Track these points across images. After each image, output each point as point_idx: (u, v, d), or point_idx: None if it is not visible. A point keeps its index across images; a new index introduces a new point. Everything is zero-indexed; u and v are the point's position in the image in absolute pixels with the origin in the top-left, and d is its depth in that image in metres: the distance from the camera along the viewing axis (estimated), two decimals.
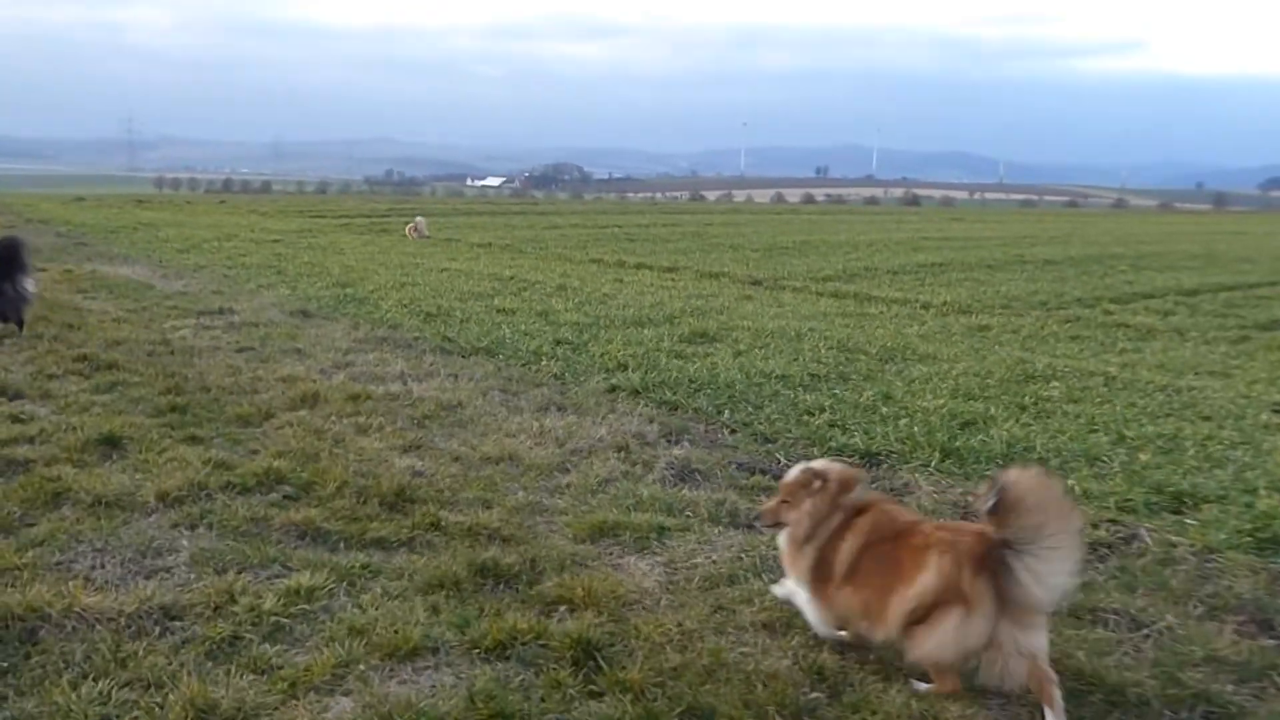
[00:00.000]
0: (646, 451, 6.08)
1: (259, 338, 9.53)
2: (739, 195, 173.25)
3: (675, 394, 7.53)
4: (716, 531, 4.89)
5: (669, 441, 6.32)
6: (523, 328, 10.39)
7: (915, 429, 6.62)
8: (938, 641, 3.36)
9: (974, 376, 8.50)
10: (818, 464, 3.98)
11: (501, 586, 4.16)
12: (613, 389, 7.71)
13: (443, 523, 4.78)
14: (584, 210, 52.16)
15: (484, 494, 5.25)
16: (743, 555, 4.57)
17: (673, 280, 16.81)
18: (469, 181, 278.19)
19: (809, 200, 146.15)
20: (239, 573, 4.16)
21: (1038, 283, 17.79)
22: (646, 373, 8.20)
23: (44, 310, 10.13)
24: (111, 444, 5.81)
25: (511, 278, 15.33)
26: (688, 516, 5.04)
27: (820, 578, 3.74)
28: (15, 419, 6.31)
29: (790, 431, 6.60)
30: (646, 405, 7.20)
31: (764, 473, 5.77)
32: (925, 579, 3.39)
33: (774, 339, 10.13)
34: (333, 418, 6.63)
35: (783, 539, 3.92)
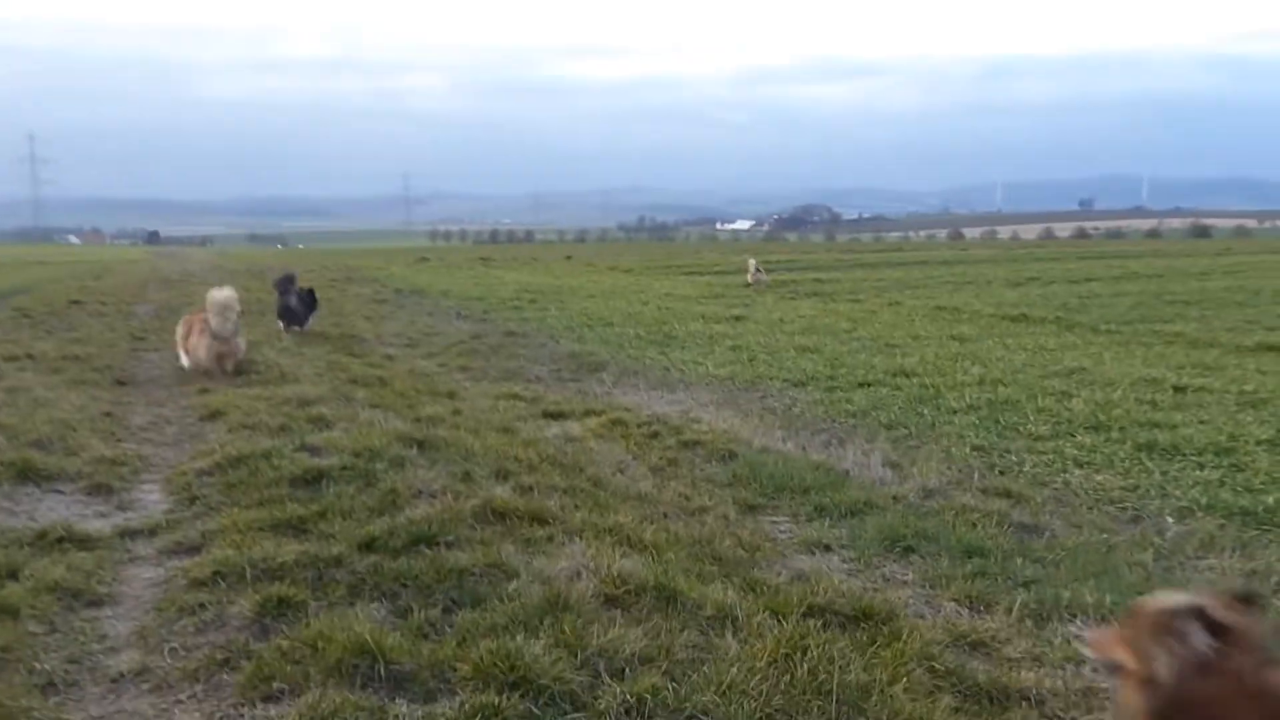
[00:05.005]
0: None
1: None
2: (1002, 231, 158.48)
3: None
4: None
5: None
6: None
7: None
8: (197, 348, 9.56)
9: None
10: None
11: None
12: None
13: None
14: (913, 258, 44.88)
15: None
16: None
17: None
18: (719, 225, 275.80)
19: (1081, 235, 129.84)
20: None
21: None
22: None
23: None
24: None
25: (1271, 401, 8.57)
26: None
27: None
28: None
29: None
30: None
31: None
32: (194, 330, 9.76)
33: None
34: None
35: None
